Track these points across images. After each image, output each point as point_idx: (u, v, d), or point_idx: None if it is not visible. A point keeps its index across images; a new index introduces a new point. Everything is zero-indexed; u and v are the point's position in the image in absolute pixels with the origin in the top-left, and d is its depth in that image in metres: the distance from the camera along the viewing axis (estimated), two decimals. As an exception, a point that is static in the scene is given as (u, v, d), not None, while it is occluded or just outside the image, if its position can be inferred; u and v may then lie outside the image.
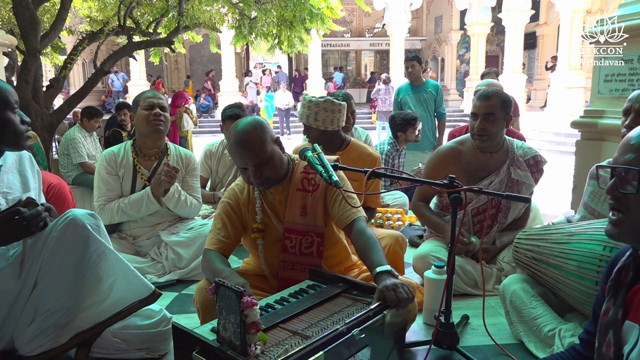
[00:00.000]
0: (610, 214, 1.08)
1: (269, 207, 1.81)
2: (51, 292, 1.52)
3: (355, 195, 1.79)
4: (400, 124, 3.81)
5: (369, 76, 21.36)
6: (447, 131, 4.33)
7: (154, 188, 2.54)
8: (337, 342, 1.23)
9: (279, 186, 1.79)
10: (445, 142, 3.70)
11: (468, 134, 2.53)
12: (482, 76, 4.92)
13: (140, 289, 1.67)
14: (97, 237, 1.57)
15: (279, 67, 18.88)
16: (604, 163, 1.63)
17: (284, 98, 13.97)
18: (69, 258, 1.53)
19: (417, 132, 3.83)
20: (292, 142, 11.63)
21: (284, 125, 14.01)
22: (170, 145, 2.75)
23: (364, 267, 1.96)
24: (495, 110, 2.32)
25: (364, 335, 1.29)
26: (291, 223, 1.78)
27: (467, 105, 14.88)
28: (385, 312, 1.37)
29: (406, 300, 1.38)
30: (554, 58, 16.44)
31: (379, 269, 1.48)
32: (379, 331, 1.35)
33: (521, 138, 3.45)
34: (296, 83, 18.18)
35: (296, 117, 15.24)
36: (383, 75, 12.55)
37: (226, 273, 1.60)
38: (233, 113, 3.30)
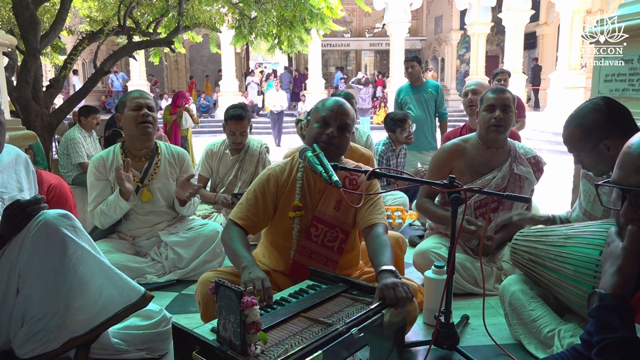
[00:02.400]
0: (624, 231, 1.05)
1: (307, 192, 1.84)
2: (33, 298, 1.48)
3: (382, 204, 1.85)
4: (389, 124, 3.82)
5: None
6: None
7: (179, 194, 2.63)
8: (335, 342, 1.23)
9: None
10: (440, 144, 3.69)
11: (472, 133, 2.58)
12: (495, 75, 4.88)
13: (129, 293, 1.63)
14: (73, 239, 1.51)
15: (285, 67, 18.87)
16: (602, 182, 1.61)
17: (276, 98, 11.70)
18: (46, 264, 1.48)
19: (407, 134, 3.80)
20: (282, 150, 9.33)
21: (276, 131, 11.77)
22: (161, 144, 2.72)
23: (366, 269, 1.97)
24: (510, 103, 2.44)
25: (362, 334, 1.29)
26: (322, 213, 1.82)
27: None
28: (384, 311, 1.37)
29: (404, 300, 1.38)
30: (536, 59, 16.68)
31: (382, 267, 1.53)
32: (378, 330, 1.36)
33: (516, 136, 3.47)
34: (296, 83, 18.19)
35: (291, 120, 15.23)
36: (363, 78, 13.00)
37: (246, 262, 1.61)
38: (236, 113, 3.29)
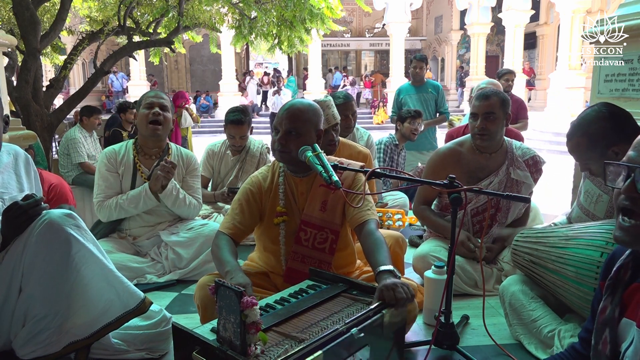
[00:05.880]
0: (620, 218, 1.03)
1: (291, 196, 1.84)
2: (36, 297, 1.48)
3: (370, 199, 1.82)
4: (403, 114, 3.87)
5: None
6: (445, 131, 4.31)
7: (152, 183, 2.55)
8: (335, 342, 1.23)
9: (304, 177, 1.83)
10: (442, 143, 3.69)
11: (467, 135, 2.54)
12: (501, 76, 4.81)
13: (129, 298, 1.62)
14: (77, 239, 1.51)
15: (275, 69, 18.72)
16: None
17: (275, 98, 10.27)
18: (50, 263, 1.48)
19: (414, 127, 3.79)
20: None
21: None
22: (172, 145, 2.76)
23: (365, 269, 1.97)
24: (495, 109, 2.36)
25: (362, 334, 1.29)
26: (309, 216, 1.80)
27: (466, 105, 14.91)
28: (384, 311, 1.37)
29: (404, 300, 1.38)
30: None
31: (381, 268, 1.51)
32: (378, 331, 1.35)
33: (519, 137, 3.45)
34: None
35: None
36: (350, 78, 13.16)
37: (229, 267, 1.61)
38: (235, 118, 3.31)
